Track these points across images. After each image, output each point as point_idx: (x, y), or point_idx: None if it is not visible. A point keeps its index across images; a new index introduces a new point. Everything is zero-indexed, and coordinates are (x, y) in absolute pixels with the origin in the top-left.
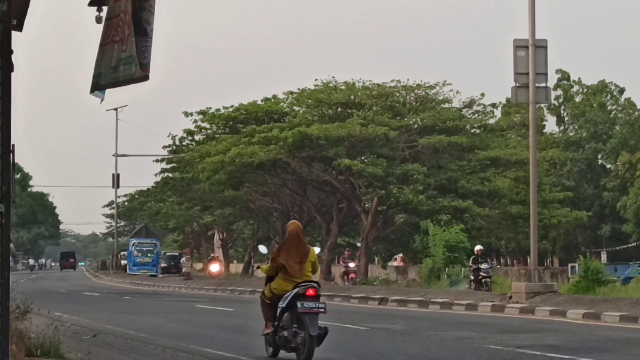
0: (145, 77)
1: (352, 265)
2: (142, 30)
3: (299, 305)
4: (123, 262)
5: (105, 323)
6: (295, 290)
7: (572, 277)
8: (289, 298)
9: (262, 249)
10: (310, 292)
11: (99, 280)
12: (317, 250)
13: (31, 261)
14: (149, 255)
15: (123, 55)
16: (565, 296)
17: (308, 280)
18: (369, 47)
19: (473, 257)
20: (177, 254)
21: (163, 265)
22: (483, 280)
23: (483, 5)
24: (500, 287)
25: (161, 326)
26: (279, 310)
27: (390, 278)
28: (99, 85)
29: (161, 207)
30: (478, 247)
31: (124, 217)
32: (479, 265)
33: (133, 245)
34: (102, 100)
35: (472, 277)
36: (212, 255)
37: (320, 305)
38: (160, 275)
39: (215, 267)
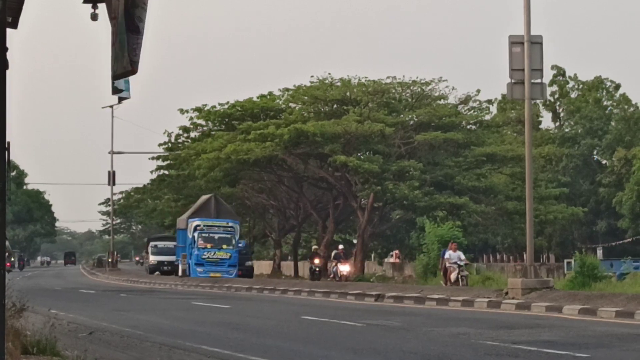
0: (132, 72)
1: None
2: (134, 27)
3: None
4: (153, 258)
5: (101, 320)
6: None
7: (568, 272)
8: None
9: None
10: None
11: (95, 277)
12: None
13: (46, 258)
14: (224, 247)
15: (113, 51)
16: (561, 292)
17: None
18: (365, 43)
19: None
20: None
21: None
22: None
23: (479, 2)
24: (497, 283)
25: (157, 323)
26: None
27: (387, 274)
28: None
29: (157, 205)
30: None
31: (120, 214)
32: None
33: (196, 229)
34: (125, 99)
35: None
36: (319, 249)
37: None
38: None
39: (346, 267)
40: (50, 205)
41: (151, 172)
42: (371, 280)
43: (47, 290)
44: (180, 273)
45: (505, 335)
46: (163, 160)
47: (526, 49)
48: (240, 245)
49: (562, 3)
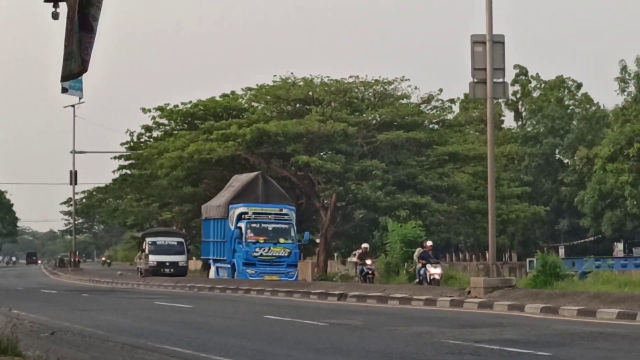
0: (83, 71)
1: None
2: (88, 26)
3: None
4: (153, 258)
5: (63, 320)
6: None
7: (530, 271)
8: None
9: None
10: None
11: (57, 277)
12: None
13: (12, 257)
14: (281, 241)
15: (65, 51)
16: (523, 291)
17: None
18: (327, 43)
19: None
20: None
21: None
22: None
23: (441, 1)
24: (459, 282)
25: (120, 323)
26: None
27: (350, 274)
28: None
29: (119, 204)
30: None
31: (82, 214)
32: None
33: (241, 218)
34: (80, 98)
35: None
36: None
37: None
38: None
39: (437, 270)
40: (12, 205)
41: (113, 171)
42: (334, 279)
43: (8, 290)
44: (211, 275)
45: (468, 334)
46: (125, 160)
47: (488, 48)
48: (305, 239)
49: (525, 2)
